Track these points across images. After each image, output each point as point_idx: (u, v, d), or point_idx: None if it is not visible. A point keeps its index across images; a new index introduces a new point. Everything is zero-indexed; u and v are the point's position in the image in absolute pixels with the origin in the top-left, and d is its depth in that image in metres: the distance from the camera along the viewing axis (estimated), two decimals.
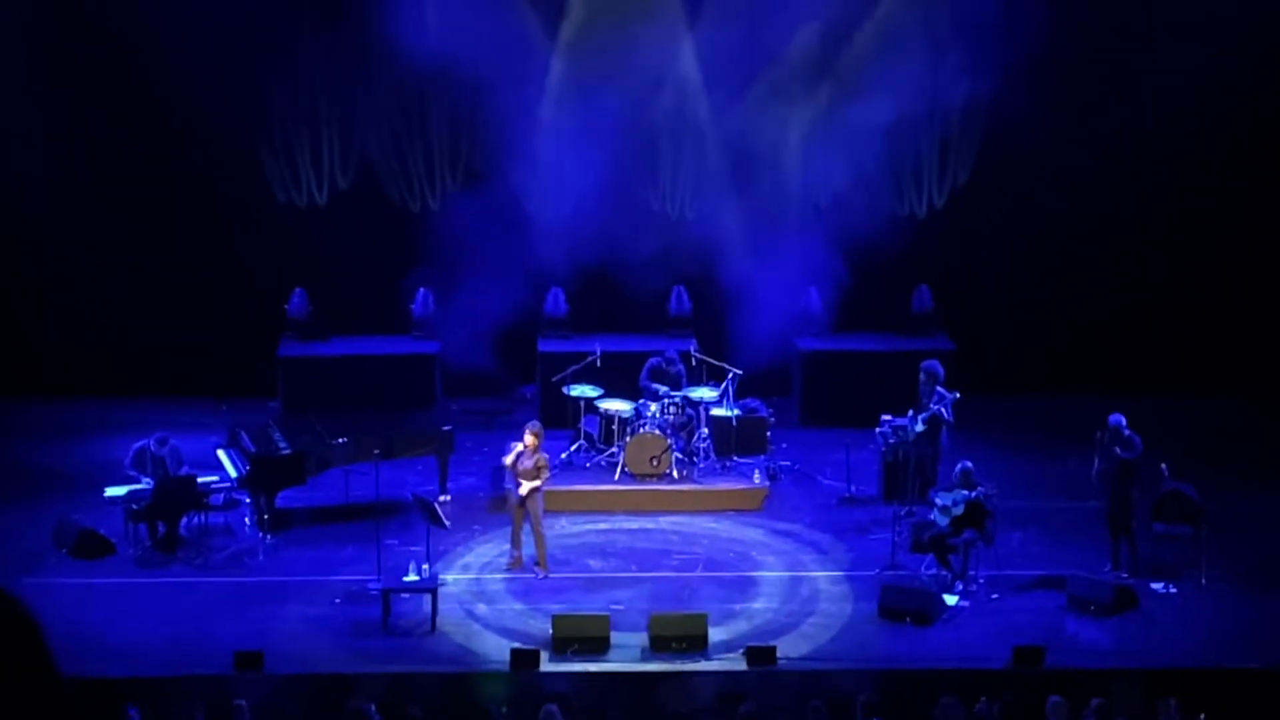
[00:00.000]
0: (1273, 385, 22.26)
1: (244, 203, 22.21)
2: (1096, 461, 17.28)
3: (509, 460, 17.53)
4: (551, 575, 17.43)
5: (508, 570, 17.56)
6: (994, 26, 20.81)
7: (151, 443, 18.08)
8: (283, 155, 22.03)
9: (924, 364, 19.09)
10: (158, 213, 22.29)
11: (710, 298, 21.99)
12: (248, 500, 18.50)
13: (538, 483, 17.31)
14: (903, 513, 18.05)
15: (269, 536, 18.19)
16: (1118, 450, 16.99)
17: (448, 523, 17.19)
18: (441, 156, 22.03)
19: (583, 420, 19.99)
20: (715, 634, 15.86)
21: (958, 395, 18.63)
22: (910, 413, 18.84)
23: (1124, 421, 17.04)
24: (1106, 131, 22.17)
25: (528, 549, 17.55)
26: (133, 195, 22.17)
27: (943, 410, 18.52)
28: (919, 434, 18.68)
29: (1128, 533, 17.23)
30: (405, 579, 16.36)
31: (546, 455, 17.57)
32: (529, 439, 17.40)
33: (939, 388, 18.72)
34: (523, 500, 17.33)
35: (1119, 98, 22.11)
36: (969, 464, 17.16)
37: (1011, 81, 20.88)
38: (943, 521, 16.97)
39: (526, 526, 17.47)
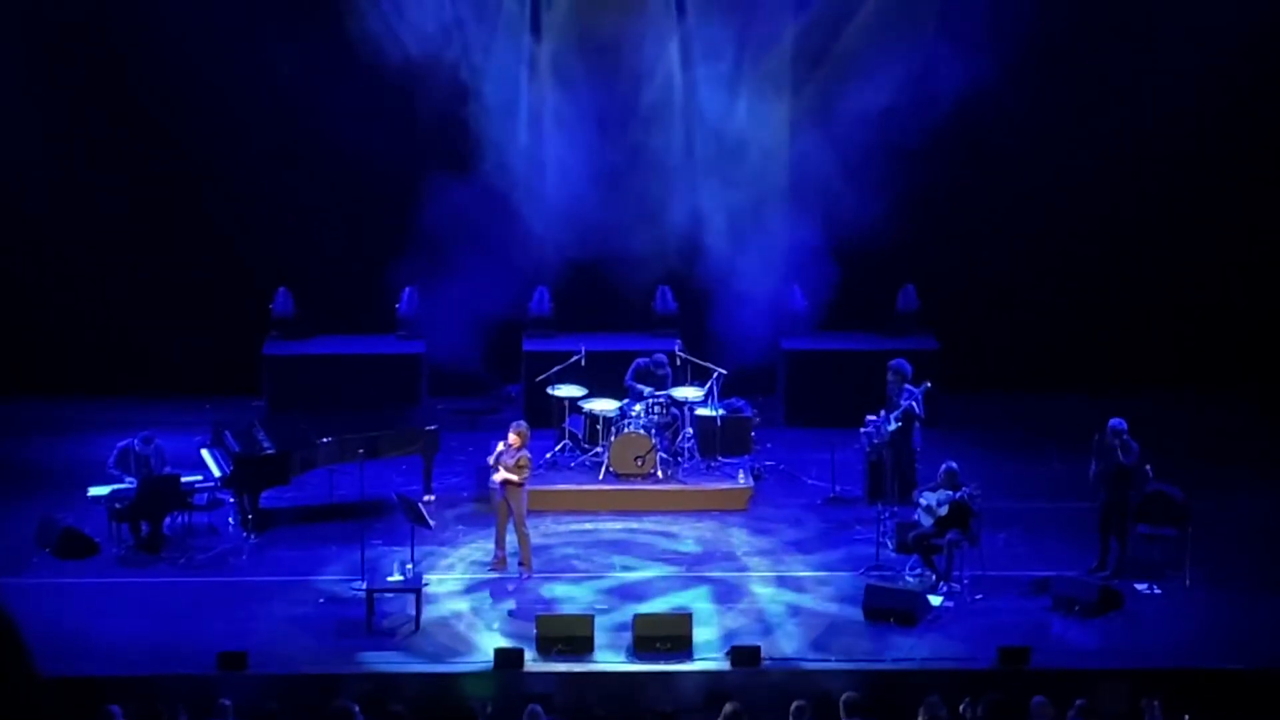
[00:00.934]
0: (1272, 385, 22.23)
1: (229, 200, 22.15)
2: (1094, 463, 17.29)
3: (492, 460, 17.51)
4: (535, 574, 17.41)
5: (492, 570, 17.53)
6: (989, 21, 20.78)
7: (136, 442, 18.04)
8: (269, 151, 21.96)
9: (891, 363, 19.10)
10: (150, 212, 22.23)
11: (695, 297, 21.96)
12: (231, 500, 18.46)
13: (514, 476, 17.24)
14: (885, 514, 18.05)
15: (253, 536, 18.16)
16: (1119, 454, 16.99)
17: (432, 522, 17.18)
18: (426, 153, 21.92)
19: (567, 420, 19.97)
20: (699, 634, 15.85)
21: (928, 385, 18.65)
22: (883, 412, 18.85)
23: (1125, 426, 17.05)
24: (1106, 131, 22.16)
25: (511, 548, 17.52)
26: (128, 194, 22.10)
27: (914, 405, 18.53)
28: (894, 432, 18.68)
29: (1119, 534, 17.25)
30: (389, 579, 16.35)
31: (529, 454, 17.53)
32: (512, 438, 17.37)
33: (907, 385, 18.74)
34: (506, 499, 17.31)
35: (1119, 98, 22.10)
36: (954, 464, 17.16)
37: (1009, 79, 20.88)
38: (927, 522, 16.97)
39: (510, 526, 17.45)
